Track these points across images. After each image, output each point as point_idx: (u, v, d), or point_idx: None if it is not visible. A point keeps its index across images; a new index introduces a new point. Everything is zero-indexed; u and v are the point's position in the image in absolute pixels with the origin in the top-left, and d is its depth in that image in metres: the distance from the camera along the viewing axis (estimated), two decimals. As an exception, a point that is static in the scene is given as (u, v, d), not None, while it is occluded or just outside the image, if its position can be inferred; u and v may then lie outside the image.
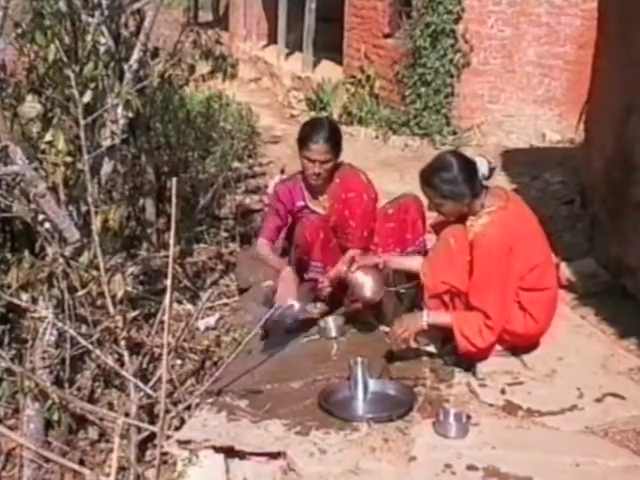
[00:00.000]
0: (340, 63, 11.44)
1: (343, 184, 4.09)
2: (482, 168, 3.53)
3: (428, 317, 3.51)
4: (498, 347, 3.55)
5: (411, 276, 3.88)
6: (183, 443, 3.03)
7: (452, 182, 3.47)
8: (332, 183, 4.09)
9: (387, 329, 3.84)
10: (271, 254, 4.14)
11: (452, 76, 9.15)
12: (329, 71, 11.49)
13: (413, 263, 3.80)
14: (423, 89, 9.17)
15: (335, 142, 4.02)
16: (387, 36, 10.07)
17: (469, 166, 3.52)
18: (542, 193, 6.54)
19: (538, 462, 2.88)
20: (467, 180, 3.47)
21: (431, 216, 3.97)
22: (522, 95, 9.28)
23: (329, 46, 11.94)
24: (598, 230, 4.94)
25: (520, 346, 3.59)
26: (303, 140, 4.01)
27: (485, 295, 3.41)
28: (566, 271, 4.44)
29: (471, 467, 2.85)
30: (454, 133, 9.15)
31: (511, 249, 3.40)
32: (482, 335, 3.42)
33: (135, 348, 3.95)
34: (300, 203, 4.14)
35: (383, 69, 10.00)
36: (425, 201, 3.92)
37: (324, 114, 9.97)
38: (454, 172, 3.48)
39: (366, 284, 3.83)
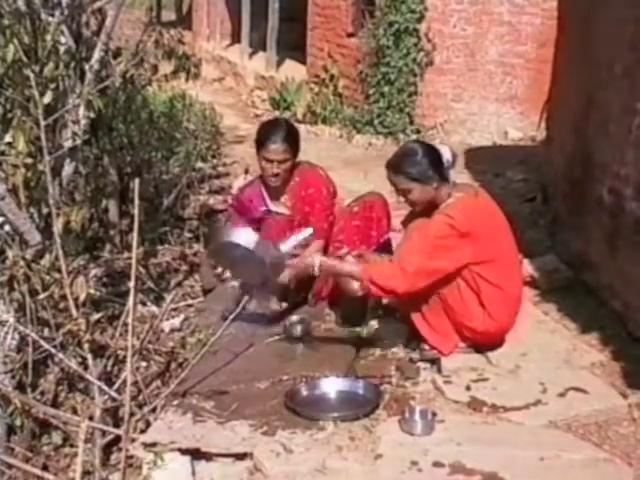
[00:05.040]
0: (304, 62, 11.44)
1: (302, 182, 4.11)
2: (446, 154, 3.61)
3: (320, 265, 3.53)
4: (461, 344, 3.59)
5: None
6: (149, 446, 3.01)
7: (419, 164, 3.52)
8: (292, 182, 4.10)
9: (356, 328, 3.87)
10: None
11: (415, 75, 9.19)
12: (293, 70, 11.48)
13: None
14: (386, 88, 9.20)
15: (293, 141, 4.03)
16: (350, 35, 10.09)
17: (433, 151, 3.59)
18: (504, 190, 6.59)
19: (503, 457, 2.91)
20: (432, 163, 3.53)
21: (400, 214, 3.99)
22: (484, 93, 9.36)
23: (293, 45, 11.94)
24: (560, 227, 5.01)
25: (482, 344, 3.62)
26: (261, 141, 4.01)
27: (413, 252, 3.44)
28: (528, 267, 4.49)
29: (437, 463, 2.87)
30: (418, 132, 9.20)
31: (468, 234, 3.41)
32: (396, 278, 3.41)
33: (99, 351, 3.91)
34: (262, 208, 4.13)
35: (347, 68, 10.02)
36: (390, 199, 3.96)
37: (288, 114, 9.97)
38: (419, 156, 3.54)
39: None
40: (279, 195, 4.13)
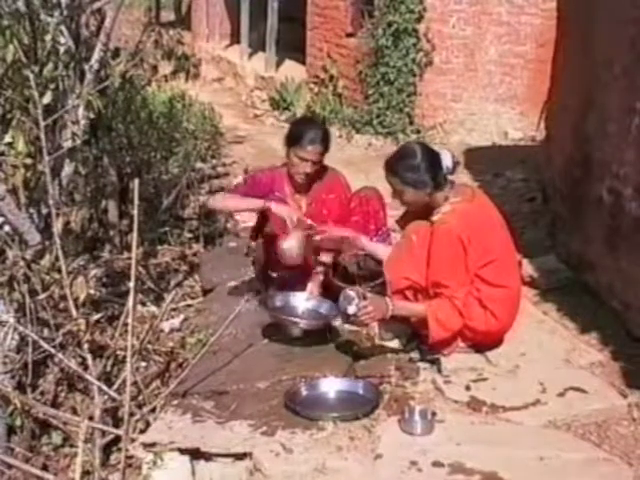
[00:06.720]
0: (303, 63, 11.44)
1: (325, 185, 4.14)
2: (446, 160, 3.57)
3: (393, 309, 3.47)
4: (461, 344, 3.58)
5: (381, 264, 3.90)
6: (148, 446, 3.01)
7: (414, 169, 3.50)
8: (315, 184, 4.12)
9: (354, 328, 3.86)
10: (243, 198, 4.06)
11: (415, 75, 9.19)
12: (292, 71, 11.48)
13: (385, 251, 3.81)
14: (386, 88, 9.20)
15: (328, 143, 4.06)
16: (349, 35, 10.08)
17: (432, 156, 3.56)
18: (504, 190, 6.60)
19: (503, 457, 2.90)
20: (429, 169, 3.50)
21: (395, 214, 3.99)
22: (484, 94, 9.36)
23: (292, 46, 11.93)
24: (559, 227, 5.00)
25: (482, 343, 3.61)
26: (298, 139, 3.98)
27: (448, 279, 3.42)
28: (528, 267, 4.49)
29: (437, 463, 2.87)
30: (417, 132, 9.20)
31: (468, 239, 3.41)
32: (455, 317, 3.43)
33: (99, 351, 3.92)
34: (277, 194, 4.12)
35: (346, 68, 10.02)
36: (387, 199, 3.95)
37: (287, 114, 9.97)
38: (417, 160, 3.51)
39: (293, 246, 3.86)
40: (299, 193, 4.14)
